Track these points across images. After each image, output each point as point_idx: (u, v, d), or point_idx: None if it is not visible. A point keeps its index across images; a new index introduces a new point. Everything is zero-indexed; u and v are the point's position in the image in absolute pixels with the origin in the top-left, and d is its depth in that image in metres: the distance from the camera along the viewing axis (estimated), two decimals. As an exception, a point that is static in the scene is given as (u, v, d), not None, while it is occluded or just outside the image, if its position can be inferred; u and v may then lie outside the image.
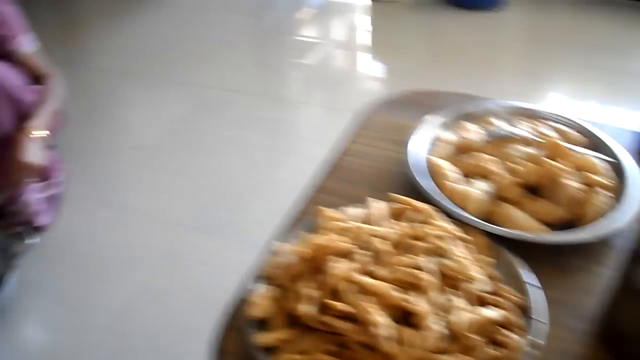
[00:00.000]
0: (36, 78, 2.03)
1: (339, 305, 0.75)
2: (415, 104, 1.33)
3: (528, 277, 0.86)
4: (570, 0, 3.69)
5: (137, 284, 1.95)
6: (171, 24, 3.77)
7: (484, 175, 1.06)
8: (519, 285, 0.85)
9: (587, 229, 0.96)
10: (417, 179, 1.04)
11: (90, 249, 2.11)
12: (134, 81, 3.20)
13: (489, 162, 1.07)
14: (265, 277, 0.85)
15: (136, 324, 1.82)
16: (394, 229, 0.86)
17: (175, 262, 2.03)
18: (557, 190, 1.02)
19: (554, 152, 1.08)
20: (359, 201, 0.95)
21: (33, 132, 1.84)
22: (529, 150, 1.09)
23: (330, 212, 0.91)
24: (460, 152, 1.14)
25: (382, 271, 0.79)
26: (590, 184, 1.02)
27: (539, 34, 3.44)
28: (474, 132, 1.16)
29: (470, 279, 0.82)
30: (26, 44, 2.00)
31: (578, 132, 1.16)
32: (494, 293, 0.83)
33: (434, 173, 1.07)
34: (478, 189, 1.02)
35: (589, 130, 1.17)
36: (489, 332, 0.78)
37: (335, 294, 0.77)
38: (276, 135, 2.69)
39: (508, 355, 0.75)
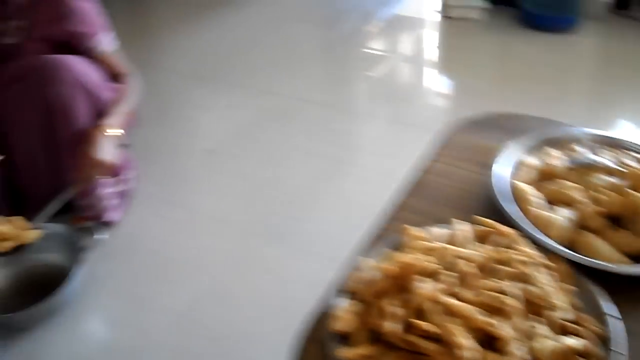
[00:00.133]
0: (114, 76, 2.06)
1: (424, 325, 0.76)
2: (497, 126, 1.34)
3: (608, 307, 0.85)
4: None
5: (202, 287, 1.96)
6: (243, 30, 3.83)
7: (567, 202, 1.06)
8: (599, 316, 0.84)
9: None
10: (502, 203, 1.05)
11: (157, 248, 2.13)
12: (205, 84, 3.26)
13: (573, 190, 1.07)
14: (348, 292, 0.87)
15: (198, 326, 1.82)
16: (479, 252, 0.86)
17: (238, 267, 2.04)
18: (639, 222, 1.01)
19: (637, 183, 1.06)
20: (442, 221, 0.96)
21: (108, 130, 1.87)
22: (612, 179, 1.08)
23: (415, 230, 0.91)
24: (543, 178, 1.13)
25: (467, 293, 0.80)
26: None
27: (612, 58, 3.35)
28: (557, 159, 1.16)
29: (553, 307, 0.82)
30: (106, 42, 2.03)
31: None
32: (575, 322, 0.83)
33: (518, 198, 1.07)
34: (561, 216, 1.02)
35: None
36: (570, 361, 0.77)
37: (420, 314, 0.78)
38: (342, 146, 2.70)
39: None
